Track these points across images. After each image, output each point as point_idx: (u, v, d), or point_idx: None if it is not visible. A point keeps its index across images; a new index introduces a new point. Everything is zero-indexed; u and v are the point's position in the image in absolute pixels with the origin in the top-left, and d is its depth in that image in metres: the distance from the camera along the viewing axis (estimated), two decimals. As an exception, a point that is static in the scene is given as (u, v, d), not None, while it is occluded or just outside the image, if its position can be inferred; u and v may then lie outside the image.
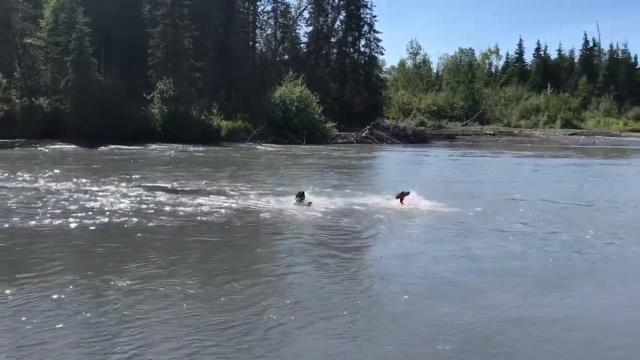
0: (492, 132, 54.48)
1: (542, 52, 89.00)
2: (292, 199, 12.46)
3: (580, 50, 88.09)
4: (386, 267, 8.03)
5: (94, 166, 21.20)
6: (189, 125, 34.88)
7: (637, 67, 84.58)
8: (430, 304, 6.30)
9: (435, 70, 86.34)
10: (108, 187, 14.68)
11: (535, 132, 55.70)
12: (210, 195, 13.65)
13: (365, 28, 55.78)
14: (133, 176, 17.15)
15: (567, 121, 63.37)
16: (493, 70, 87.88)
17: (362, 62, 56.26)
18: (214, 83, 41.40)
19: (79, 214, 10.82)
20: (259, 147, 34.02)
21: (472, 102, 68.20)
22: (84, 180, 15.74)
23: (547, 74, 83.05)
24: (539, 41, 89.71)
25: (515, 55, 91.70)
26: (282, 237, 9.90)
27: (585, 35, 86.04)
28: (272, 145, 35.35)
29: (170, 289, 6.61)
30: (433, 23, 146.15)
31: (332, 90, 51.14)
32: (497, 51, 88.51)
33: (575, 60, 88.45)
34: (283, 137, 38.47)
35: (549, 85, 74.12)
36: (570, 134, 54.47)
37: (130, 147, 28.69)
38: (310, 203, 12.34)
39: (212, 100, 38.89)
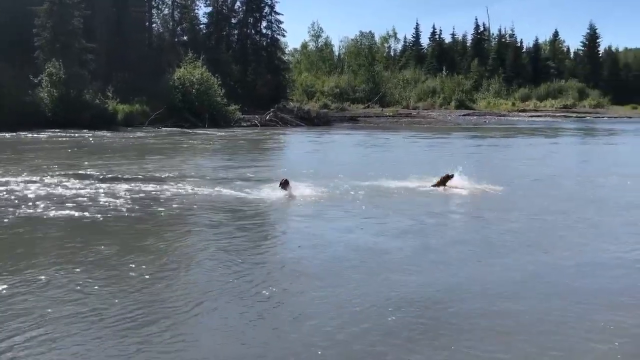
0: (392, 113, 56.10)
1: (437, 36, 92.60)
2: (266, 188, 12.04)
3: (472, 34, 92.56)
4: (306, 254, 8.01)
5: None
6: (82, 109, 32.89)
7: (523, 50, 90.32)
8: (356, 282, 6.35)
9: (337, 53, 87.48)
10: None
11: (432, 113, 58.06)
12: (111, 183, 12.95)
13: (267, 9, 55.27)
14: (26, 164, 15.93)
15: (460, 102, 66.63)
16: (392, 53, 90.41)
17: (264, 44, 55.71)
18: (108, 65, 39.26)
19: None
20: (160, 130, 32.84)
21: (373, 84, 69.80)
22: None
23: (442, 57, 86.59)
24: (434, 25, 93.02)
25: (413, 39, 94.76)
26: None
27: (476, 20, 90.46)
28: (173, 129, 34.27)
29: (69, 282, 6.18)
30: (334, 5, 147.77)
31: (234, 73, 50.30)
32: (395, 35, 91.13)
33: (468, 44, 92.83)
34: (184, 120, 37.37)
35: (444, 68, 77.39)
36: (464, 115, 57.34)
37: (15, 134, 26.67)
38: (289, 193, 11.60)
39: (106, 83, 36.89)
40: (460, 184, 12.64)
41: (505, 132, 37.33)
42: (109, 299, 5.68)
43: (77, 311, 5.35)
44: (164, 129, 34.54)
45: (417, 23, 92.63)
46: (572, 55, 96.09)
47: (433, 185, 12.79)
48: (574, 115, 60.14)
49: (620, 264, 7.09)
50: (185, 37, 52.64)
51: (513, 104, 69.90)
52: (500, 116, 57.83)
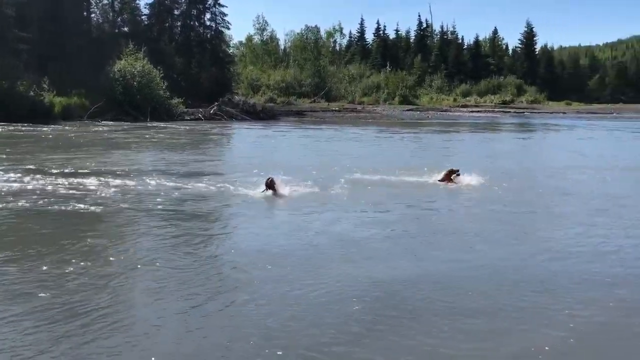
0: (338, 108, 56.40)
1: (381, 32, 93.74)
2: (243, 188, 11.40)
3: (415, 31, 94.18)
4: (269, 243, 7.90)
5: None
6: (15, 101, 31.44)
7: (464, 47, 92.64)
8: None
9: (282, 47, 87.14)
10: None
11: (377, 109, 58.71)
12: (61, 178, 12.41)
13: (210, 1, 54.38)
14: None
15: (404, 98, 67.68)
16: (337, 48, 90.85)
17: (208, 36, 54.86)
18: (43, 56, 37.63)
19: None
20: (99, 124, 31.78)
21: (319, 79, 69.96)
22: None
23: (386, 53, 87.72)
24: (378, 21, 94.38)
25: (358, 35, 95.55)
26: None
27: (419, 16, 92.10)
28: (113, 122, 33.26)
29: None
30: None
31: (177, 65, 49.28)
32: (341, 30, 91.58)
33: (411, 41, 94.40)
34: (124, 114, 36.36)
35: (388, 64, 78.41)
36: (408, 110, 58.28)
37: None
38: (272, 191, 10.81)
39: (41, 74, 35.37)
40: (463, 178, 12.68)
41: (454, 127, 38.19)
42: (53, 297, 5.43)
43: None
44: (103, 122, 33.48)
45: (362, 19, 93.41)
46: (510, 52, 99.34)
47: (439, 180, 12.77)
48: (512, 110, 62.14)
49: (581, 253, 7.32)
50: (126, 28, 51.14)
51: (455, 100, 71.61)
52: (442, 111, 59.11)
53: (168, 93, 39.27)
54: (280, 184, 11.01)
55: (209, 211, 9.78)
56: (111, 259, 6.77)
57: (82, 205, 9.67)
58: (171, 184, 12.03)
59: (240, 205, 10.30)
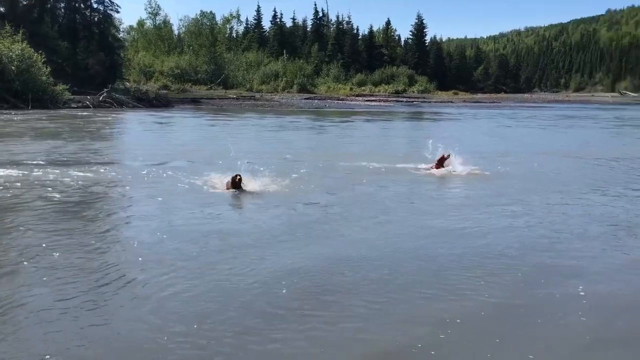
0: (235, 96, 55.73)
1: (278, 20, 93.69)
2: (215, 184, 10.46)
3: (311, 19, 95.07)
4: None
5: None
6: None
7: (359, 37, 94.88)
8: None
9: (176, 32, 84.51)
10: None
11: (275, 97, 58.69)
12: None
13: (97, -18, 51.45)
14: None
15: (302, 86, 68.27)
16: (234, 35, 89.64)
17: (95, 19, 51.93)
18: None
19: None
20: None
21: (215, 66, 68.68)
22: None
23: (283, 41, 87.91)
24: (275, 9, 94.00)
25: (255, 22, 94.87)
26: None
27: (315, 5, 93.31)
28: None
29: None
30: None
31: (61, 50, 46.26)
32: (238, 16, 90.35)
33: (308, 29, 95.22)
34: (3, 101, 33.63)
35: (284, 52, 78.58)
36: (306, 99, 58.83)
37: None
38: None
39: None
40: (454, 164, 12.58)
41: (358, 115, 38.97)
42: None
43: None
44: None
45: (258, 5, 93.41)
46: (402, 43, 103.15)
47: (432, 167, 12.61)
48: (405, 100, 64.59)
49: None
50: (1, 9, 47.11)
51: (351, 89, 73.26)
52: (339, 100, 60.19)
53: (52, 79, 36.78)
54: (250, 180, 10.18)
55: (105, 200, 9.31)
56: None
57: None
58: (63, 173, 11.31)
59: (142, 193, 9.89)
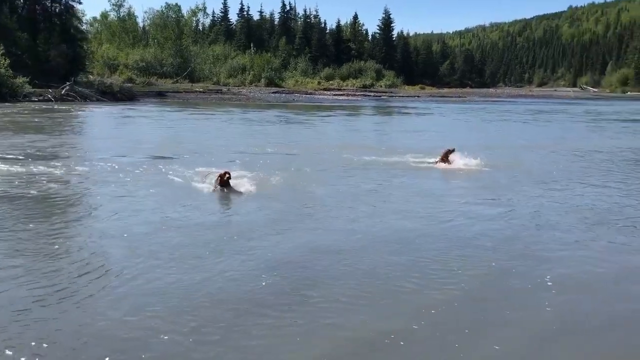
0: (202, 89, 55.09)
1: (245, 13, 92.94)
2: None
3: (279, 12, 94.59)
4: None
5: None
6: None
7: (327, 31, 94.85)
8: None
9: (141, 25, 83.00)
10: None
11: (242, 90, 58.23)
12: None
13: (58, -28, 49.97)
14: None
15: (270, 80, 67.86)
16: (200, 27, 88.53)
17: (56, 10, 50.45)
18: None
19: None
20: None
21: (181, 59, 67.73)
22: None
23: (251, 34, 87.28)
24: (242, 2, 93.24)
25: (221, 14, 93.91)
26: None
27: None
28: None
29: None
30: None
31: (21, 41, 44.83)
32: (204, 9, 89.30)
33: (276, 22, 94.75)
34: (-41, 94, 32.52)
35: (252, 45, 78.03)
36: (274, 92, 58.53)
37: None
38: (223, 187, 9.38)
39: None
40: (458, 159, 12.75)
41: (330, 110, 38.93)
42: None
43: None
44: None
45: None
46: (370, 38, 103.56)
47: (437, 162, 12.78)
48: (372, 94, 64.87)
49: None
50: (-44, -2, 45.40)
51: (319, 83, 73.18)
52: (307, 94, 60.07)
53: (11, 71, 35.68)
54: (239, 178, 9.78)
55: (68, 195, 9.05)
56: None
57: None
58: (27, 169, 10.97)
59: (105, 187, 9.66)
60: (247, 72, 69.51)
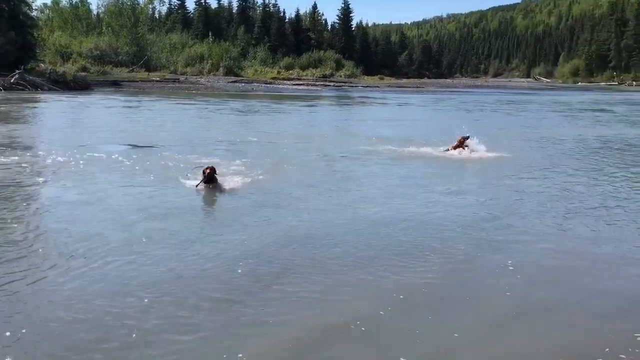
0: (159, 78, 54.11)
1: (203, 1, 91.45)
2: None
3: (237, 1, 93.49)
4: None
5: None
6: None
7: (286, 20, 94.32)
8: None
9: (95, 12, 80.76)
10: None
11: (200, 80, 57.45)
12: None
13: (5, -44, 47.99)
14: None
15: (228, 69, 67.14)
16: (157, 15, 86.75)
17: (4, -5, 48.52)
18: None
19: None
20: None
21: (137, 47, 66.22)
22: None
23: (208, 22, 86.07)
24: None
25: (178, 2, 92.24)
26: None
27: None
28: None
29: None
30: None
31: (-34, 28, 43.03)
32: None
33: (234, 11, 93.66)
34: None
35: (210, 34, 76.94)
36: (232, 82, 57.98)
37: None
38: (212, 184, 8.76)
39: None
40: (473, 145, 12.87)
41: (291, 99, 38.76)
42: None
43: None
44: None
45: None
46: (329, 27, 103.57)
47: (452, 149, 12.83)
48: (332, 84, 64.98)
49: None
50: None
51: (278, 72, 72.80)
52: (267, 84, 59.73)
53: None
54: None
55: (25, 186, 8.82)
56: None
57: None
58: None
59: (65, 179, 9.44)
60: (205, 61, 68.55)
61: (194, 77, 60.25)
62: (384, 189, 9.48)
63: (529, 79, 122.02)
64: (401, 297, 5.03)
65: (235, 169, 10.33)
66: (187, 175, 9.40)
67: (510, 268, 5.78)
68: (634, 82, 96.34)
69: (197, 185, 8.69)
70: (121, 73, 56.62)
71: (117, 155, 11.59)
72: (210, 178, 8.66)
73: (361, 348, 4.15)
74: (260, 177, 9.83)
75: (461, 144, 12.83)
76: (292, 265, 5.69)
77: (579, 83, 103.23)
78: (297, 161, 11.85)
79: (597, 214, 7.96)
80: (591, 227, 7.32)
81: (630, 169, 11.92)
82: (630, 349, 4.18)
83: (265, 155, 12.29)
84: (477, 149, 12.89)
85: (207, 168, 8.74)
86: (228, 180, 9.24)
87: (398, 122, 23.53)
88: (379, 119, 25.55)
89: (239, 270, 5.46)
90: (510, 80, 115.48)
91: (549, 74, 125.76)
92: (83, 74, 47.33)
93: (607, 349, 4.17)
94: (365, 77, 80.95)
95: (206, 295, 4.89)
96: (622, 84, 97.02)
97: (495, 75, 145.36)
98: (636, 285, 5.54)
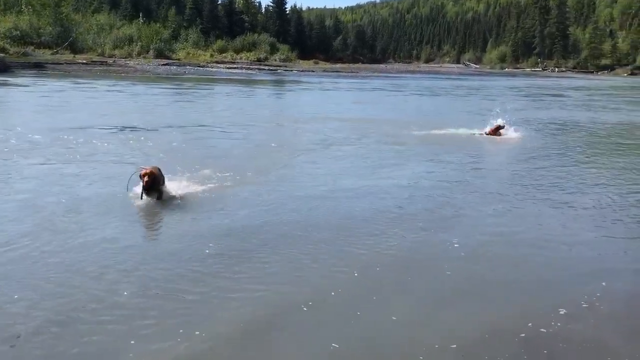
0: (85, 61, 51.81)
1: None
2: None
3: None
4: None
5: None
6: None
7: (219, 3, 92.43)
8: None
9: (13, -11, 75.92)
10: None
11: (129, 62, 55.45)
12: None
13: None
14: None
15: (159, 52, 65.03)
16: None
17: None
18: None
19: None
20: None
21: (61, 28, 62.95)
22: None
23: (138, 3, 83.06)
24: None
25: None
26: None
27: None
28: None
29: None
30: None
31: None
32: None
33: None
34: None
35: (140, 15, 74.27)
36: (163, 64, 56.30)
37: None
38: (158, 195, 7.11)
39: None
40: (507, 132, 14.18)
41: (225, 83, 37.98)
42: None
43: None
44: None
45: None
46: (263, 11, 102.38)
47: (487, 134, 14.08)
48: (267, 68, 64.35)
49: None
50: None
51: (211, 56, 71.33)
52: (199, 67, 58.42)
53: None
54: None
55: None
56: None
57: None
58: None
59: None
60: (135, 44, 66.06)
61: (123, 59, 58.02)
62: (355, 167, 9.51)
63: (459, 65, 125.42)
64: (356, 274, 5.16)
65: (194, 172, 8.66)
66: (127, 186, 7.30)
67: (456, 245, 6.04)
68: (556, 68, 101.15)
69: (141, 197, 6.95)
70: (44, 55, 53.78)
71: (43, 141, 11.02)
72: (150, 186, 6.88)
73: (298, 331, 4.18)
74: (228, 182, 8.44)
75: (497, 130, 14.06)
76: (257, 245, 5.65)
77: (506, 69, 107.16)
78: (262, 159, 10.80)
79: (552, 198, 8.30)
80: (538, 210, 7.62)
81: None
82: (552, 323, 4.40)
83: (223, 149, 11.68)
84: (513, 134, 14.25)
85: (144, 174, 6.81)
86: (183, 188, 7.69)
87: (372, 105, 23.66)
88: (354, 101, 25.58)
89: (207, 251, 5.32)
90: (441, 66, 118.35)
91: (478, 60, 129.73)
92: (1, 55, 44.55)
93: (530, 324, 4.37)
94: (300, 61, 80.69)
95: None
96: (545, 69, 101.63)
97: (427, 61, 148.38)
98: (566, 264, 5.82)
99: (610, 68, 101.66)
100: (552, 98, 33.22)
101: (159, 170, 7.10)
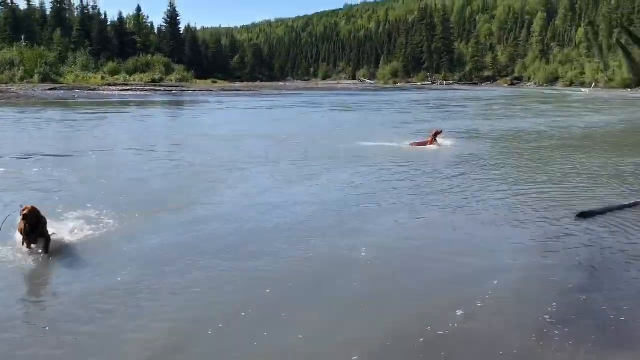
0: (-40, 88, 47.87)
1: (10, 2, 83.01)
2: None
3: (51, 2, 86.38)
4: None
5: None
6: None
7: (109, 24, 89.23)
8: None
9: None
10: None
11: (12, 88, 51.94)
12: None
13: None
14: None
15: (45, 76, 61.49)
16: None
17: None
18: None
19: None
20: None
21: None
22: None
23: (18, 25, 78.38)
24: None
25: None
26: None
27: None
28: None
29: None
30: None
31: None
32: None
33: (48, 13, 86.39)
34: None
35: (22, 38, 70.10)
36: (50, 89, 53.27)
37: None
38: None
39: None
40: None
41: (118, 106, 36.35)
42: None
43: None
44: None
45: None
46: (156, 31, 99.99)
47: (429, 142, 14.31)
48: (163, 89, 62.68)
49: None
50: None
51: (103, 78, 68.50)
52: (91, 90, 55.85)
53: None
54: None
55: None
56: None
57: None
58: None
59: None
60: (17, 68, 62.05)
61: (4, 85, 54.26)
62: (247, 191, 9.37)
63: (354, 81, 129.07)
64: (254, 297, 5.09)
65: (81, 212, 7.51)
66: None
67: (364, 254, 6.22)
68: (445, 81, 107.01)
69: (23, 244, 5.78)
70: None
71: None
72: (31, 231, 5.69)
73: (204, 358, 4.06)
74: (117, 224, 7.21)
75: (435, 137, 14.50)
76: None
77: (399, 84, 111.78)
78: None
79: (454, 204, 8.70)
80: (442, 217, 7.96)
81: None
82: (450, 324, 4.58)
83: (113, 180, 10.58)
84: (444, 143, 14.86)
85: (25, 212, 5.65)
86: (68, 230, 6.56)
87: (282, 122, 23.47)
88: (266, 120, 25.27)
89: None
90: (338, 83, 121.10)
91: (372, 76, 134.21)
92: None
93: (428, 327, 4.52)
94: (197, 81, 79.43)
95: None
96: (434, 83, 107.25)
97: (324, 78, 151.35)
98: (463, 265, 6.09)
99: (492, 79, 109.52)
100: (456, 109, 35.34)
101: (33, 212, 5.75)
